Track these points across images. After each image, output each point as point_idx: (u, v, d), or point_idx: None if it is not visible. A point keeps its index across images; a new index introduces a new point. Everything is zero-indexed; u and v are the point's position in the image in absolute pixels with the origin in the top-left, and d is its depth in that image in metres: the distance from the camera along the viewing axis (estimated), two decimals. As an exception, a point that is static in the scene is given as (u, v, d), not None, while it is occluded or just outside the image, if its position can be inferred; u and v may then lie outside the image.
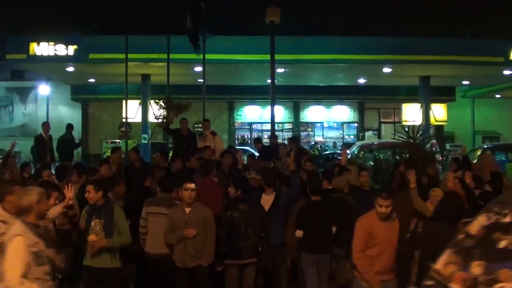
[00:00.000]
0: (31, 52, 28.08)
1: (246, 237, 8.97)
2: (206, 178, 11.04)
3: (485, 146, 29.41)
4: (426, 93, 33.58)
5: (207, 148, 14.98)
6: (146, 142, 28.73)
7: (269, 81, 20.76)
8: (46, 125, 20.08)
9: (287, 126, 45.60)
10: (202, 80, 23.62)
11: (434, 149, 24.70)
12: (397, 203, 8.29)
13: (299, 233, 9.41)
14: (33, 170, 15.02)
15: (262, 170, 11.51)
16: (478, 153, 26.80)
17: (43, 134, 19.47)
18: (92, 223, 8.28)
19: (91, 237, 8.10)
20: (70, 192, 8.28)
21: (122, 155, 25.22)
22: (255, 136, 37.96)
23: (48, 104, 42.96)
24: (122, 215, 8.50)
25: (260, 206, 9.62)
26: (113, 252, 8.36)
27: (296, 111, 45.21)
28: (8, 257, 6.01)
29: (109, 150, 18.80)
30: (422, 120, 32.65)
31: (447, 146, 39.65)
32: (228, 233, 8.93)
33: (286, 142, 24.56)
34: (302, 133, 44.53)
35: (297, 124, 45.25)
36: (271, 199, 9.89)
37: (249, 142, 42.44)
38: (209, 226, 8.92)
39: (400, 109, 37.98)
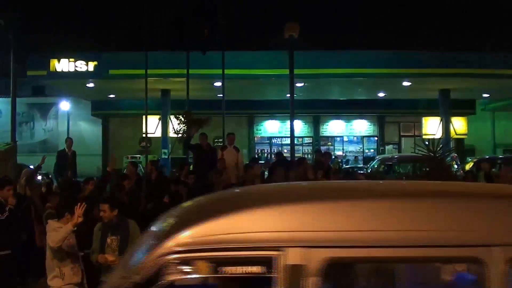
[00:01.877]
0: (51, 69, 28.28)
1: None
2: None
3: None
4: (446, 107, 33.40)
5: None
6: (166, 157, 28.80)
7: (288, 95, 20.74)
8: (68, 140, 19.95)
9: (307, 140, 45.52)
10: (221, 95, 23.68)
11: (454, 162, 24.62)
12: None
13: None
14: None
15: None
16: (471, 165, 26.69)
17: (66, 150, 19.41)
18: (108, 240, 8.28)
19: (109, 257, 8.11)
20: (80, 210, 8.24)
21: (142, 169, 25.40)
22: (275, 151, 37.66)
23: (68, 120, 43.23)
24: (137, 230, 8.48)
25: None
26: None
27: (316, 125, 45.15)
28: None
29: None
30: (442, 134, 32.48)
31: (468, 159, 39.42)
32: None
33: (307, 156, 24.54)
34: (322, 147, 44.44)
35: (317, 138, 45.17)
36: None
37: (268, 156, 42.23)
38: None
39: (420, 122, 37.84)
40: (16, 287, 11.42)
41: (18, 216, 11.10)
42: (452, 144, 32.89)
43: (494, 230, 3.59)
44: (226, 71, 23.09)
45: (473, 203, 3.88)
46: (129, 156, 37.86)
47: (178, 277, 3.47)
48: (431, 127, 35.32)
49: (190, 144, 17.55)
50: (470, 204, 3.86)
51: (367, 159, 41.46)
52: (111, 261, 8.04)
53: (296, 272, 3.37)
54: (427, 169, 17.67)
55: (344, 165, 38.24)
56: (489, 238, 3.54)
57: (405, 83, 30.89)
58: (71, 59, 28.19)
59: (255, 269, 3.43)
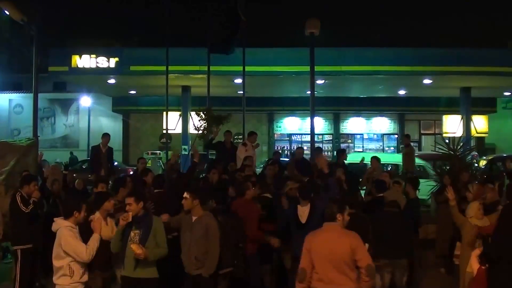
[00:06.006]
0: (73, 65, 28.39)
1: (224, 247, 8.93)
2: (239, 198, 10.76)
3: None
4: (467, 105, 33.13)
5: (249, 158, 15.17)
6: (186, 153, 28.86)
7: (308, 92, 20.63)
8: (105, 137, 18.70)
9: (327, 137, 45.48)
10: (242, 92, 23.68)
11: (475, 161, 24.56)
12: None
13: None
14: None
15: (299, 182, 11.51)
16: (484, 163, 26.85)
17: (101, 146, 18.74)
18: (132, 234, 8.26)
19: (135, 247, 8.06)
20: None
21: (162, 165, 25.42)
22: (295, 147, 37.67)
23: (89, 116, 43.54)
24: (161, 226, 8.48)
25: (237, 217, 9.75)
26: (151, 263, 8.31)
27: (336, 122, 45.12)
28: None
29: (150, 161, 18.63)
30: (463, 132, 32.26)
31: (483, 157, 39.15)
32: None
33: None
34: (342, 145, 44.39)
35: (337, 136, 45.12)
36: (307, 210, 9.85)
37: (287, 153, 42.10)
38: (212, 236, 8.70)
39: (440, 120, 37.52)
40: (40, 281, 11.54)
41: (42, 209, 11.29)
42: (472, 143, 32.66)
43: None
44: (247, 68, 23.09)
45: None
46: (150, 152, 38.04)
47: None
48: (452, 125, 34.94)
49: (212, 144, 17.59)
50: None
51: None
52: (137, 253, 8.03)
53: None
54: (447, 167, 17.69)
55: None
56: None
57: (426, 81, 30.73)
58: (92, 55, 28.32)
59: None
